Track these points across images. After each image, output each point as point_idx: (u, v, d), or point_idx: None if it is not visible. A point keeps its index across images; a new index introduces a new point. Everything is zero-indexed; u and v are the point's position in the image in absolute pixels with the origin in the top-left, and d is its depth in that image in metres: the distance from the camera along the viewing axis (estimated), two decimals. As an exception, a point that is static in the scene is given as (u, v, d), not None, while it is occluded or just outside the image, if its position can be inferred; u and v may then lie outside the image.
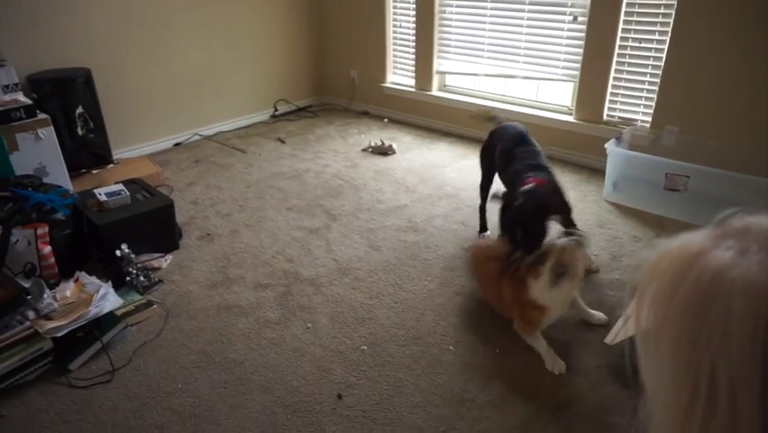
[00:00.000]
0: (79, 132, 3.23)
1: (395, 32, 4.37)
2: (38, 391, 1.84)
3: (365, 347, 2.02)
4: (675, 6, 2.93)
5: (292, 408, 1.76)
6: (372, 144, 3.89)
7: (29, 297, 1.97)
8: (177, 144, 4.01)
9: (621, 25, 3.17)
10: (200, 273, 2.48)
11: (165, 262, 2.53)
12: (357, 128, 4.36)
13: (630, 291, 0.53)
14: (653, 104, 3.18)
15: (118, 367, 1.93)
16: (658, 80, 3.11)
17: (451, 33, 4.02)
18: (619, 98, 3.35)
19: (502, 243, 2.09)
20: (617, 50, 3.24)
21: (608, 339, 1.90)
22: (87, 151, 3.30)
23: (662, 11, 3.01)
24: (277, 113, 4.62)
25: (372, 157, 3.78)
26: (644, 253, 0.50)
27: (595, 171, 3.36)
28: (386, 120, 4.52)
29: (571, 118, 3.57)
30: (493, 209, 2.33)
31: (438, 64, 4.18)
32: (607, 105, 3.40)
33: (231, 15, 4.10)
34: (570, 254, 1.82)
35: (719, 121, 2.95)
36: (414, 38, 4.21)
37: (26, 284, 2.03)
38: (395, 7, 4.28)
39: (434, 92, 4.25)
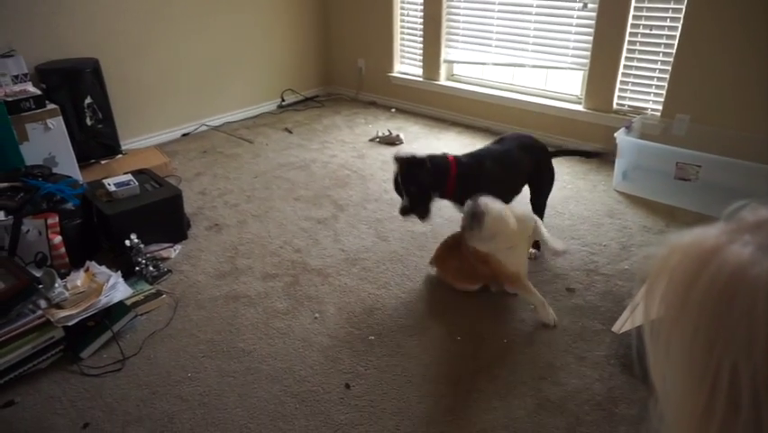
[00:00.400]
0: (88, 122, 3.24)
1: (402, 20, 4.33)
2: (50, 378, 1.87)
3: (373, 337, 2.02)
4: (688, -7, 2.89)
5: (300, 397, 1.77)
6: (380, 134, 3.87)
7: (40, 286, 1.99)
8: (184, 135, 4.02)
9: (632, 12, 3.13)
10: (208, 263, 2.49)
11: (174, 252, 2.55)
12: (364, 118, 4.34)
13: (640, 282, 0.52)
14: (664, 92, 3.14)
15: (128, 356, 1.95)
16: (669, 68, 3.07)
17: (459, 22, 3.98)
18: (629, 87, 3.31)
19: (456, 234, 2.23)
20: (627, 38, 3.19)
21: (616, 327, 1.91)
22: (96, 141, 3.31)
23: (674, -3, 2.97)
24: (284, 103, 4.62)
25: (380, 147, 3.77)
26: (653, 247, 0.48)
27: (604, 161, 3.33)
28: (393, 110, 4.50)
29: (580, 107, 3.54)
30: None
31: (446, 53, 4.15)
32: (617, 93, 3.36)
33: (238, 5, 4.08)
34: (478, 204, 1.97)
35: (731, 109, 2.91)
36: (421, 27, 4.17)
37: (37, 273, 2.06)
38: (402, -5, 4.25)
39: (442, 81, 4.22)
